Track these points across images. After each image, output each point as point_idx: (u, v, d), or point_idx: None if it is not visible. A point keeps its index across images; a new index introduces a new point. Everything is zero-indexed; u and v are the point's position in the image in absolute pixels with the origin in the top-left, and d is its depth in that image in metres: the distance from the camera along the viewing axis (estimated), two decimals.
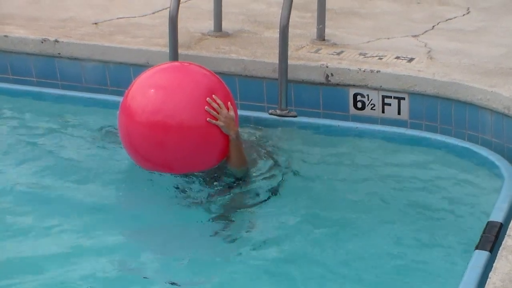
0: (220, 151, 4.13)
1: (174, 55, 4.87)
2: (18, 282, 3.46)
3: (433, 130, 4.67)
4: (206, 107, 4.01)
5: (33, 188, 4.21)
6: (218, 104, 4.04)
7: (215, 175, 4.20)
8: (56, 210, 4.03)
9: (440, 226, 3.91)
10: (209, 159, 4.15)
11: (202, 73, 4.20)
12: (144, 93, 4.08)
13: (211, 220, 3.95)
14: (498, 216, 3.66)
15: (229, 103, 4.09)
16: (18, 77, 5.32)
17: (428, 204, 4.11)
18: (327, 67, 4.82)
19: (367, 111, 4.80)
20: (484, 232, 3.55)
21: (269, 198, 4.11)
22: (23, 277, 3.49)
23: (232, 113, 4.08)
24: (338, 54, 5.02)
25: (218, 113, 4.03)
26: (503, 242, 2.91)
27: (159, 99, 4.03)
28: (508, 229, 2.98)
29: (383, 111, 4.77)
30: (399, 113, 4.74)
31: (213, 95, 4.04)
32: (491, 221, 3.62)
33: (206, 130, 4.03)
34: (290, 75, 4.81)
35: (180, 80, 4.10)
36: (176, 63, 4.45)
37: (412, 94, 4.68)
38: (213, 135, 4.05)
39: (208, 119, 4.01)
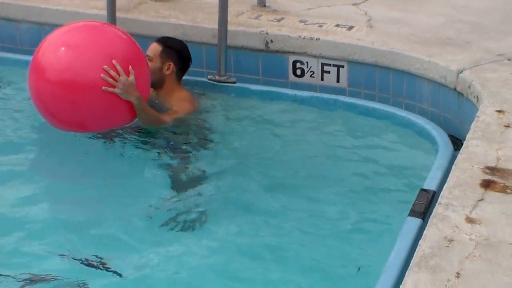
0: (127, 111, 4.13)
1: (111, 19, 4.79)
2: None
3: (371, 98, 4.69)
4: (101, 75, 4.01)
5: None
6: (117, 71, 4.02)
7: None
8: None
9: (375, 194, 3.92)
10: (119, 119, 4.17)
11: (112, 34, 4.18)
12: (55, 51, 4.06)
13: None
14: (431, 184, 3.68)
15: (130, 67, 4.06)
16: None
17: (364, 172, 4.12)
18: (267, 33, 4.79)
19: (306, 79, 4.79)
20: (416, 200, 3.57)
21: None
22: None
23: (131, 78, 4.06)
24: (279, 20, 4.99)
25: (116, 80, 4.02)
26: (433, 210, 2.93)
27: (68, 57, 4.02)
28: (440, 197, 3.01)
29: (322, 79, 4.77)
30: (338, 81, 4.75)
31: (113, 61, 4.03)
32: (423, 189, 3.64)
33: (107, 93, 4.03)
34: (230, 41, 4.77)
35: (90, 40, 4.08)
36: (91, 23, 4.34)
37: (351, 62, 4.68)
38: (115, 98, 4.06)
39: (103, 87, 4.01)
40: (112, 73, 4.02)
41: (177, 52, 4.47)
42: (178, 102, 4.42)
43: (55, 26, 4.94)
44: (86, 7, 5.03)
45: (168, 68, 4.43)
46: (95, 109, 4.05)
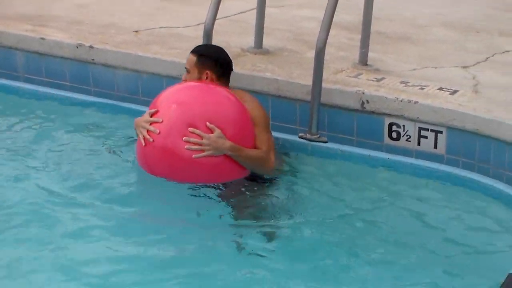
0: (231, 168, 4.11)
1: None
2: None
3: (470, 168, 4.39)
4: (185, 146, 4.01)
5: (55, 192, 4.13)
6: (196, 135, 4.01)
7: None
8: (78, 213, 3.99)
9: (461, 271, 3.66)
10: (229, 174, 4.15)
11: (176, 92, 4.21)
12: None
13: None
14: None
15: (207, 123, 4.01)
16: (52, 80, 5.25)
17: (453, 246, 3.87)
18: (363, 93, 4.58)
19: (402, 142, 4.54)
20: (502, 285, 3.28)
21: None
22: None
23: (216, 133, 4.01)
24: (378, 80, 4.77)
25: (200, 144, 4.00)
26: None
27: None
28: None
29: (418, 144, 4.50)
30: (435, 147, 4.47)
31: (189, 129, 4.01)
32: (511, 274, 3.34)
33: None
34: (325, 99, 4.59)
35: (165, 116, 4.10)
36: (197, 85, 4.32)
37: (450, 128, 4.40)
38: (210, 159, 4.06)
39: (194, 156, 4.01)
40: (193, 139, 3.99)
41: (213, 59, 4.31)
42: (252, 105, 4.27)
43: (151, 74, 4.99)
44: (183, 57, 4.95)
45: (206, 77, 4.28)
46: (200, 173, 4.09)
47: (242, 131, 4.16)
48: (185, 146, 4.01)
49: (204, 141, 4.01)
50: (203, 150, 4.02)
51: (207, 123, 4.02)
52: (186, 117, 4.05)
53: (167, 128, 4.05)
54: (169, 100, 4.15)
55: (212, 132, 4.03)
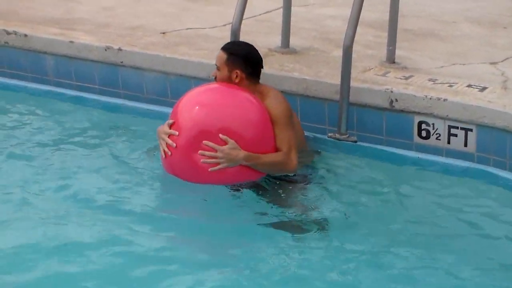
0: (246, 173, 4.12)
1: None
2: None
3: (501, 166, 4.37)
4: (201, 160, 4.04)
5: (83, 192, 4.17)
6: (210, 148, 4.04)
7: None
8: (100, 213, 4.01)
9: (492, 275, 3.64)
10: (243, 178, 4.16)
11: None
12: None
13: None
14: None
15: (220, 135, 4.03)
16: (82, 84, 5.29)
17: (487, 245, 3.84)
18: (391, 92, 4.58)
19: (432, 141, 4.53)
20: None
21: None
22: None
23: (230, 144, 4.03)
24: (407, 78, 4.76)
25: (216, 157, 4.04)
26: None
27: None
28: None
29: (448, 142, 4.49)
30: (465, 145, 4.45)
31: (203, 142, 4.03)
32: None
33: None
34: (353, 98, 4.59)
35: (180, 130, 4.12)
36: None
37: (480, 126, 4.39)
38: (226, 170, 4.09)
39: (210, 169, 4.04)
40: (207, 153, 4.03)
41: (243, 58, 4.26)
42: (270, 103, 4.23)
43: (179, 76, 5.01)
44: (211, 58, 4.94)
45: (236, 76, 4.24)
46: (223, 178, 4.11)
47: (260, 135, 4.15)
48: (201, 160, 4.04)
49: (218, 154, 4.03)
50: (218, 163, 4.05)
51: (220, 135, 4.03)
52: (201, 129, 4.05)
53: (183, 142, 4.08)
54: (185, 110, 4.16)
55: (226, 143, 4.05)
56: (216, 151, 4.02)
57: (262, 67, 4.38)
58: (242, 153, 4.04)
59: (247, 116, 4.14)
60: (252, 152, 4.09)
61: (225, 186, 4.13)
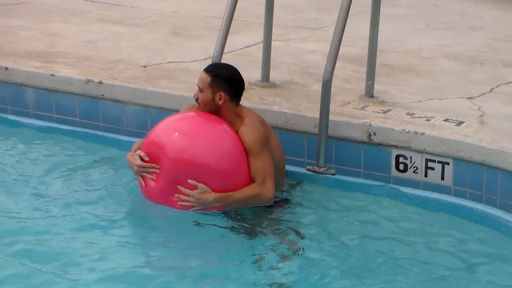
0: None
1: None
2: None
3: (478, 199, 4.42)
4: (178, 203, 4.17)
5: (60, 226, 4.20)
6: (185, 194, 4.15)
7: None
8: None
9: None
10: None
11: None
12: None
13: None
14: None
15: (189, 181, 4.11)
16: (62, 116, 5.31)
17: (460, 276, 3.89)
18: (370, 125, 4.63)
19: (409, 174, 4.57)
20: None
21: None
22: None
23: (199, 189, 4.12)
24: (385, 112, 4.82)
25: (190, 201, 4.16)
26: None
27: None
28: None
29: (425, 175, 4.54)
30: (442, 178, 4.50)
31: (177, 186, 4.14)
32: None
33: None
34: (332, 132, 4.64)
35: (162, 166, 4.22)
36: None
37: (457, 160, 4.44)
38: None
39: (192, 209, 4.16)
40: (182, 197, 4.16)
41: (227, 80, 4.28)
42: (244, 133, 4.25)
43: (160, 109, 5.04)
44: (192, 91, 5.00)
45: (220, 98, 4.26)
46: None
47: (234, 170, 4.20)
48: (177, 203, 4.17)
49: (190, 198, 4.14)
50: (193, 206, 4.16)
51: (189, 181, 4.11)
52: (174, 172, 4.16)
53: (159, 179, 4.20)
54: (159, 144, 4.22)
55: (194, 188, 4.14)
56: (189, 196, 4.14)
57: (244, 89, 4.42)
58: (211, 196, 4.12)
59: (222, 149, 4.18)
60: (232, 185, 4.13)
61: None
